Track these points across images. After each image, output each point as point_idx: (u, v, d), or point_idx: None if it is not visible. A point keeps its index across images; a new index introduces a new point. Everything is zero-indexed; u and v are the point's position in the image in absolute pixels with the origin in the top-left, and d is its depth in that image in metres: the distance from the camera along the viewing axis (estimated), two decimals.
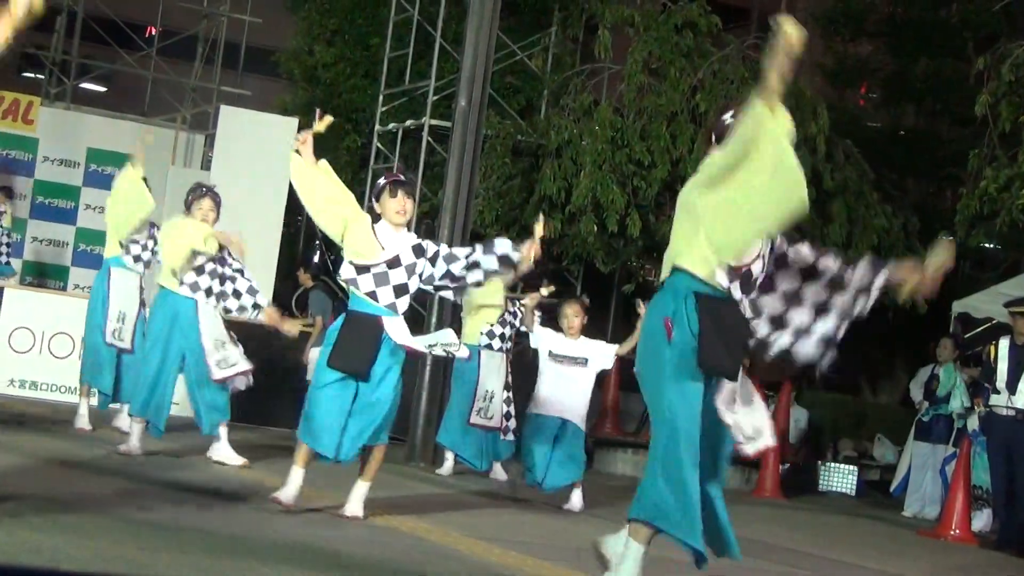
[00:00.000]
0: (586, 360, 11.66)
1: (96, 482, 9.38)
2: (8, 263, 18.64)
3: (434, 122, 19.64)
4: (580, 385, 11.71)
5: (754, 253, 6.43)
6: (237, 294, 11.31)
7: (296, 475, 8.88)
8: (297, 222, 23.61)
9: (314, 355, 16.38)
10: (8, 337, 14.92)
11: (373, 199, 9.13)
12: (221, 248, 11.23)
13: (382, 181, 9.12)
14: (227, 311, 11.36)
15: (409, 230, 9.17)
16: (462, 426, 13.31)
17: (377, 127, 21.02)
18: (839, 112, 21.44)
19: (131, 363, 12.41)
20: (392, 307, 8.93)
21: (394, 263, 8.92)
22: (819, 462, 19.22)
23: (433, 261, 9.03)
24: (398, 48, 20.91)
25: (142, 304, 12.65)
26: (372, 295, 8.90)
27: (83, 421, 12.62)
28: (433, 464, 13.83)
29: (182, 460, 11.25)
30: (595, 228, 17.65)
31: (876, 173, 19.04)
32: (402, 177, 9.20)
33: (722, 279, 6.37)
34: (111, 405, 12.79)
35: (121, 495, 8.88)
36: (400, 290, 8.95)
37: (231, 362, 11.32)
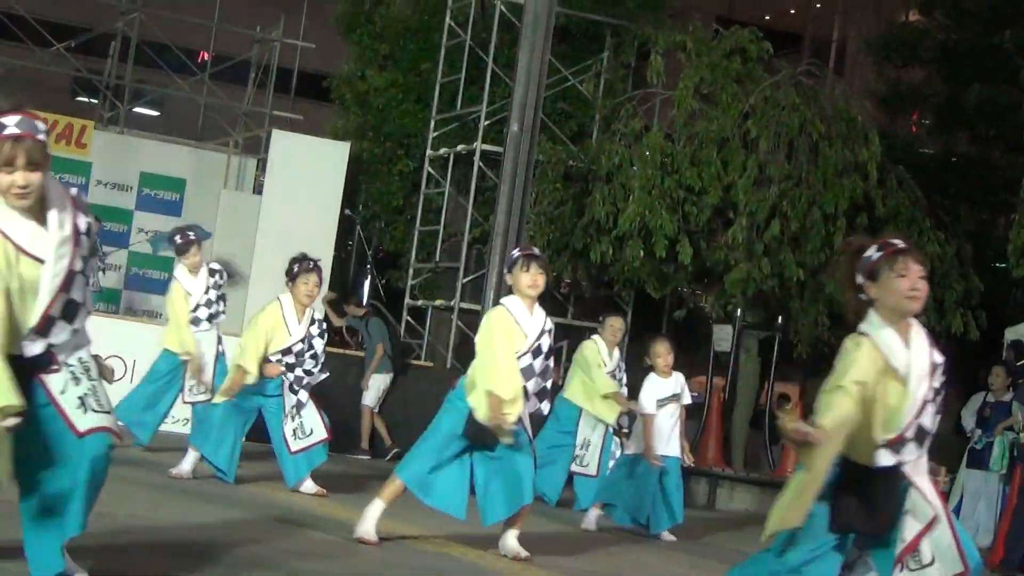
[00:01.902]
0: (678, 395, 11.84)
1: (148, 505, 9.42)
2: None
3: (486, 147, 19.67)
4: (677, 419, 11.91)
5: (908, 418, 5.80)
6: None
7: (377, 508, 8.77)
8: (348, 246, 23.66)
9: (375, 381, 16.42)
10: None
11: (506, 271, 9.06)
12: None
13: (516, 253, 8.99)
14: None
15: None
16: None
17: (429, 152, 21.06)
18: (891, 138, 21.36)
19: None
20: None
21: (536, 352, 8.78)
22: None
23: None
24: (450, 73, 20.96)
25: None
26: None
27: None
28: None
29: (235, 486, 11.26)
30: (641, 253, 17.59)
31: (928, 200, 18.93)
32: (535, 251, 9.08)
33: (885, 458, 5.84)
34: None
35: (172, 520, 8.91)
36: (543, 376, 8.84)
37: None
